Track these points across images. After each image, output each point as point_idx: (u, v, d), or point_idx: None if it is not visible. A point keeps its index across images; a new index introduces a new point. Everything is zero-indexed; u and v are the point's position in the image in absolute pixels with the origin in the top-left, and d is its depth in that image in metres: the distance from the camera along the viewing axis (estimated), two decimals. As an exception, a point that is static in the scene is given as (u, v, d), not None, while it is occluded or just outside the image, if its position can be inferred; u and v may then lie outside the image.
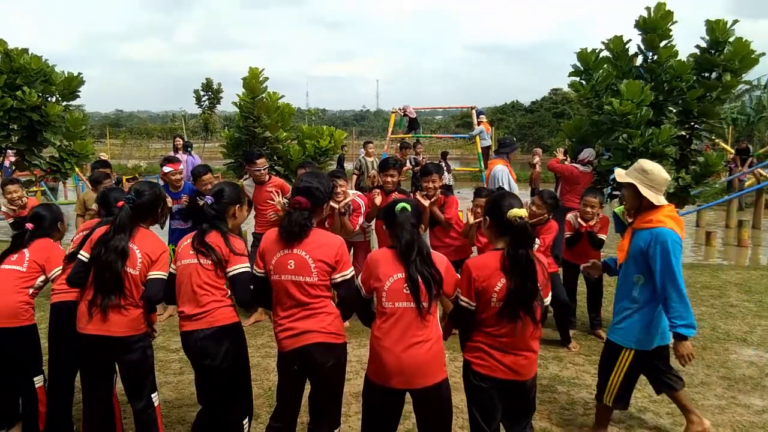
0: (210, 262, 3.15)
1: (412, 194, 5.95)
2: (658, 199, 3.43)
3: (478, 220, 5.31)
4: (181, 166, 6.14)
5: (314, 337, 3.05)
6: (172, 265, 3.30)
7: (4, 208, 6.09)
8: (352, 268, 3.19)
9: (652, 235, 3.37)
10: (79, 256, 3.36)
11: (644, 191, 3.43)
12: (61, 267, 3.71)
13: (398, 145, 15.85)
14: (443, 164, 16.65)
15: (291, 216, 3.06)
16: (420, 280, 2.87)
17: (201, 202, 3.39)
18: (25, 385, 3.74)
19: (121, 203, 3.58)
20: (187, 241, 3.27)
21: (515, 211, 2.82)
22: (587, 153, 7.83)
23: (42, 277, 3.76)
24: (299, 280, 3.03)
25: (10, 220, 5.96)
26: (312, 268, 3.03)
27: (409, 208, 3.03)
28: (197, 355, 3.15)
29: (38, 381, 3.77)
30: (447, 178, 16.78)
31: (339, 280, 3.11)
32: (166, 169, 5.99)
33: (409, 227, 2.95)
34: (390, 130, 18.50)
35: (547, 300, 3.00)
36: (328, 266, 3.06)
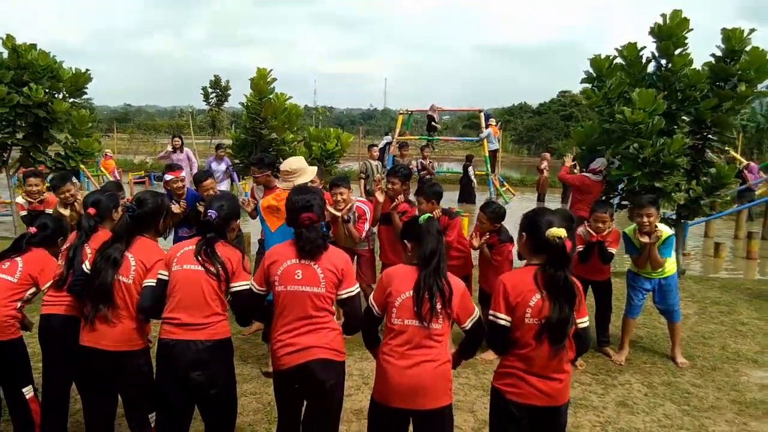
0: (214, 273, 3.05)
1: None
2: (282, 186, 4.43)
3: (485, 239, 5.18)
4: (183, 174, 5.94)
5: (316, 353, 2.96)
6: (161, 271, 3.14)
7: (20, 200, 6.03)
8: (357, 285, 3.12)
9: None
10: (83, 266, 3.30)
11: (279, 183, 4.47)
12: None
13: (398, 145, 15.79)
14: (469, 169, 16.78)
15: (306, 235, 2.98)
16: (427, 293, 2.77)
17: (201, 208, 3.28)
18: (13, 398, 3.64)
19: (92, 210, 3.57)
20: (188, 246, 3.15)
21: (555, 231, 2.70)
22: (599, 162, 7.68)
23: (32, 290, 3.65)
24: (307, 290, 2.95)
25: (23, 212, 5.90)
26: (321, 279, 2.97)
27: (434, 218, 2.99)
28: (185, 367, 2.99)
29: (28, 391, 3.65)
30: (475, 183, 16.93)
31: (345, 296, 3.05)
32: (168, 177, 5.76)
33: (435, 234, 2.89)
34: (397, 131, 18.39)
35: (584, 322, 2.85)
36: (336, 278, 3.00)
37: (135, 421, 3.27)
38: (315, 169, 4.73)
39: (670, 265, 5.22)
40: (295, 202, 3.09)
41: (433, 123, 18.73)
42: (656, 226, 4.93)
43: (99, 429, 3.35)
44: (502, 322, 2.79)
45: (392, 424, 2.93)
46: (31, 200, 5.82)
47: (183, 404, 3.13)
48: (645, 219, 4.91)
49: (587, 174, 7.68)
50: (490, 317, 2.84)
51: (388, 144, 18.02)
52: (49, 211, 5.41)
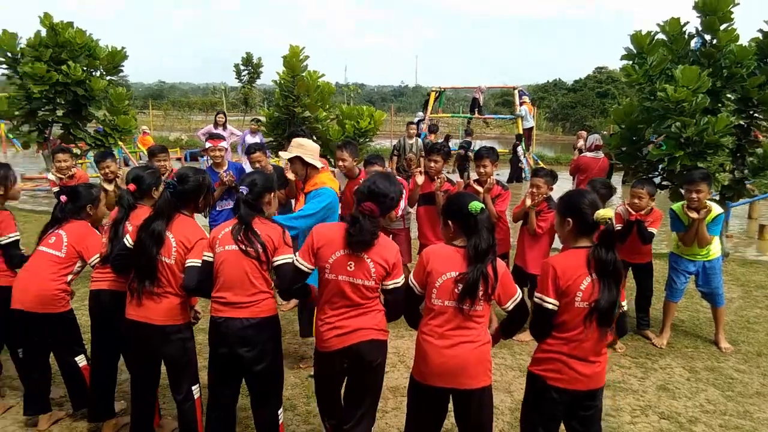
0: (254, 254, 3.06)
1: (460, 180, 5.77)
2: (317, 163, 4.27)
3: (536, 202, 5.10)
4: (223, 143, 6.04)
5: (366, 335, 2.99)
6: (206, 252, 3.17)
7: (51, 176, 6.19)
8: (404, 276, 3.09)
9: (317, 191, 4.19)
10: (124, 240, 3.35)
11: (309, 160, 4.22)
12: (99, 254, 3.68)
13: (428, 127, 15.67)
14: (519, 149, 16.34)
15: (361, 224, 2.92)
16: (481, 281, 2.74)
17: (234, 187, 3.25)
18: (66, 366, 3.79)
19: (132, 186, 3.58)
20: (229, 228, 3.15)
21: (603, 213, 2.66)
22: (594, 138, 8.08)
23: (80, 263, 3.76)
24: (357, 282, 2.96)
25: (56, 188, 6.04)
26: (372, 273, 2.96)
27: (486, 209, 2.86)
28: (233, 343, 3.06)
29: (80, 360, 3.82)
30: (524, 163, 16.46)
31: (391, 287, 3.03)
32: (207, 145, 6.03)
33: (489, 229, 2.81)
34: (429, 109, 18.25)
35: (625, 305, 2.85)
36: (386, 271, 2.99)
37: (179, 392, 3.36)
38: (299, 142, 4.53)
39: (715, 248, 5.08)
40: (370, 183, 3.02)
41: (476, 109, 18.63)
42: (706, 202, 4.79)
43: (143, 398, 3.45)
44: (550, 306, 2.75)
45: (432, 403, 2.94)
46: (62, 176, 5.97)
47: (231, 378, 3.20)
48: (695, 195, 4.76)
49: (585, 153, 7.90)
50: (536, 300, 2.80)
51: (421, 121, 17.93)
52: None
